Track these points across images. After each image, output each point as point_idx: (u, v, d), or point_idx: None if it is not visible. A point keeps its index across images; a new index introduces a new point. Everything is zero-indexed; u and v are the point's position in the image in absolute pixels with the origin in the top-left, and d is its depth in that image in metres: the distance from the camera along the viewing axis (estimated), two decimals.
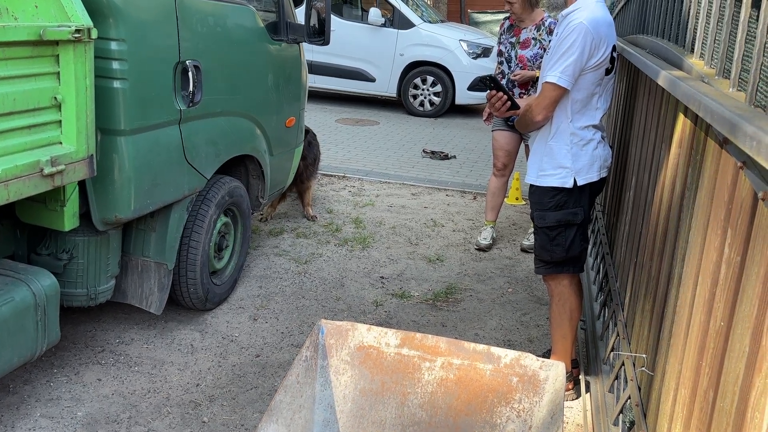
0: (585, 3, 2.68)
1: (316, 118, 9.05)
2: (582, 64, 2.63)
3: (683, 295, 1.82)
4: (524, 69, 4.41)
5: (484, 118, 4.77)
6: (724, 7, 1.88)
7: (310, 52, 8.52)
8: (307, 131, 4.95)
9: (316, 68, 9.62)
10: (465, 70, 9.75)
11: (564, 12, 2.75)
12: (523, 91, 4.44)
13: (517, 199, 6.03)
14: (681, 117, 2.09)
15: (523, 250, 4.85)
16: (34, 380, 2.97)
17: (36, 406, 2.80)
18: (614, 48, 2.74)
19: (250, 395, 2.98)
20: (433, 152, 7.54)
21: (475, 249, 4.85)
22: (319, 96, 10.33)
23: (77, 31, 2.35)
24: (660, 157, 2.37)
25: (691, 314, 1.71)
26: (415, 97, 10.06)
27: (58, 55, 2.37)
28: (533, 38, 4.40)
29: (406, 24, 9.94)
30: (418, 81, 9.98)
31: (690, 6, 2.38)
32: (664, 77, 2.13)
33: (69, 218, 2.67)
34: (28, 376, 2.99)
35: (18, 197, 2.29)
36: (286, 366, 3.20)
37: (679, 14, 2.60)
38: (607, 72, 2.74)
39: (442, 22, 11.08)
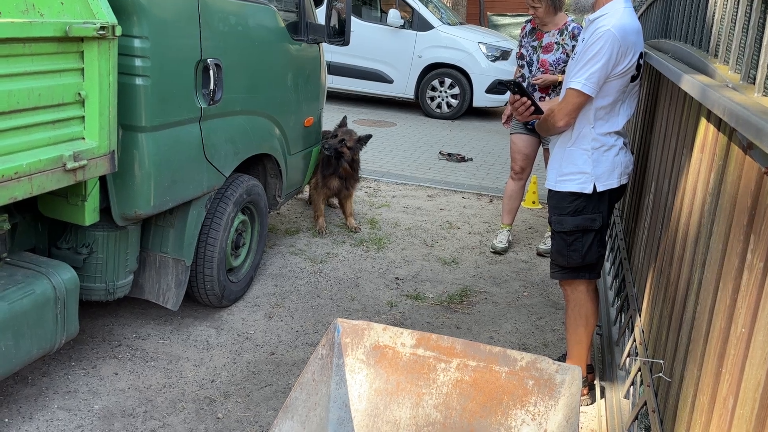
0: (613, 8, 2.62)
1: (334, 118, 9.02)
2: (607, 72, 2.59)
3: (703, 300, 1.80)
4: (546, 73, 4.39)
5: (503, 121, 4.77)
6: (749, 12, 1.86)
7: (329, 52, 8.55)
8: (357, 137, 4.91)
9: (334, 69, 9.65)
10: (483, 72, 9.74)
11: (591, 16, 2.68)
12: (543, 95, 4.42)
13: (534, 202, 6.00)
14: (704, 121, 2.07)
15: (539, 253, 4.83)
16: (52, 372, 3.00)
17: (54, 398, 2.83)
18: (641, 55, 2.69)
19: (265, 392, 3.00)
20: (449, 154, 7.54)
21: (491, 252, 4.84)
22: (337, 96, 10.35)
23: (102, 28, 2.38)
24: (681, 161, 2.35)
25: (711, 320, 1.69)
26: (432, 99, 10.05)
27: (82, 52, 2.40)
28: (556, 43, 4.37)
29: (425, 26, 9.93)
30: (435, 83, 9.97)
31: (714, 10, 2.36)
32: (687, 81, 2.11)
33: (89, 213, 2.70)
34: (47, 369, 3.02)
35: (41, 191, 2.31)
36: (301, 364, 3.21)
37: (703, 19, 2.58)
38: (633, 79, 2.70)
39: (461, 24, 11.07)
